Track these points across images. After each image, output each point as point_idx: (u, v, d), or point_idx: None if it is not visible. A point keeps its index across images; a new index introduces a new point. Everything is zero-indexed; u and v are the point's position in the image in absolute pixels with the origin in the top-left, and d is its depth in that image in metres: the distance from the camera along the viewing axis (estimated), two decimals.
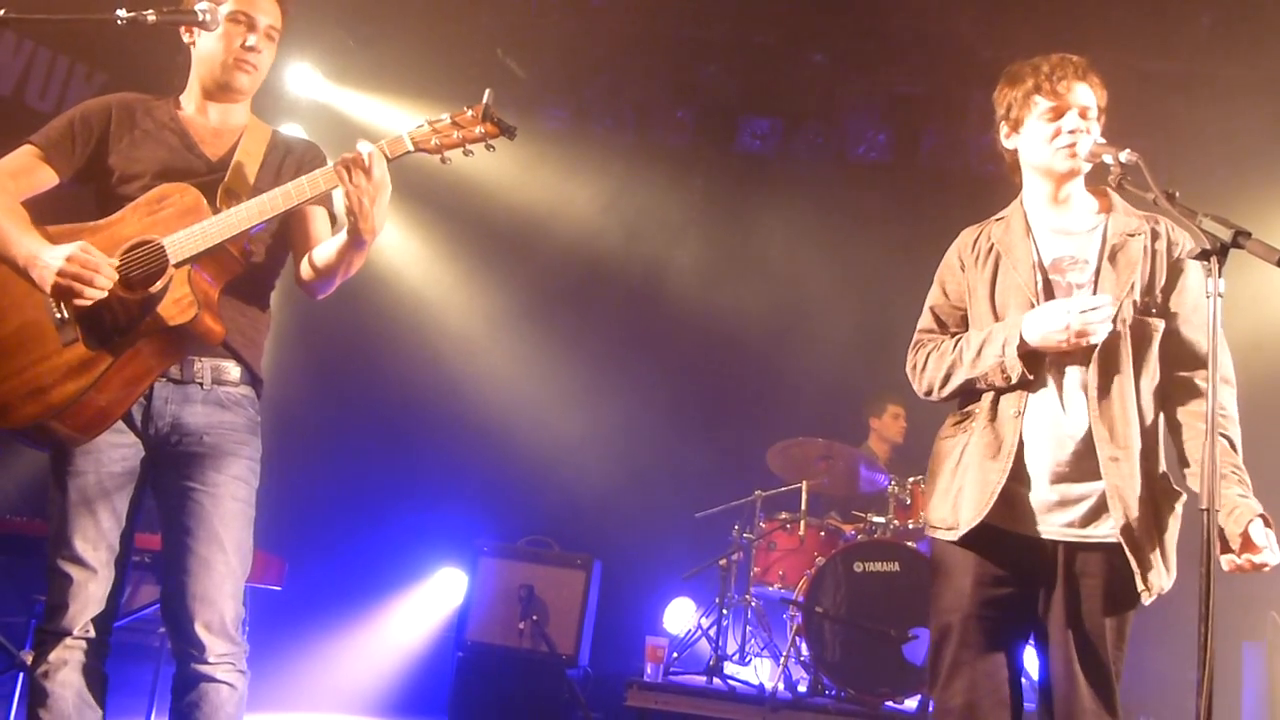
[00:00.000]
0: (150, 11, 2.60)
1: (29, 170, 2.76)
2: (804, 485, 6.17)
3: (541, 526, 6.77)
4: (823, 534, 6.17)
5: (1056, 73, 2.81)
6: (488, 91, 2.63)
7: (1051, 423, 2.71)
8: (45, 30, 6.44)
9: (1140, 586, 2.62)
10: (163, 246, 2.60)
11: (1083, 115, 2.78)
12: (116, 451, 2.69)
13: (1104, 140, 2.79)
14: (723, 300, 7.48)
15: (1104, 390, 2.68)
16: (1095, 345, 2.67)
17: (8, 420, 2.59)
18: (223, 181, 2.76)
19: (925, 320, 3.07)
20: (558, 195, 7.60)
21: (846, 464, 6.35)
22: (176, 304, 2.57)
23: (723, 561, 6.13)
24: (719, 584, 6.14)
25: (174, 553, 2.66)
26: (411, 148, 2.64)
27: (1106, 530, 2.67)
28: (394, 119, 7.39)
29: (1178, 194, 2.53)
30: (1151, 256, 2.79)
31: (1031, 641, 2.79)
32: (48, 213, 2.80)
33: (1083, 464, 2.68)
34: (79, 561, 2.63)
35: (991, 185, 7.38)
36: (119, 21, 2.54)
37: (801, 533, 6.10)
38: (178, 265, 2.59)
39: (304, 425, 6.92)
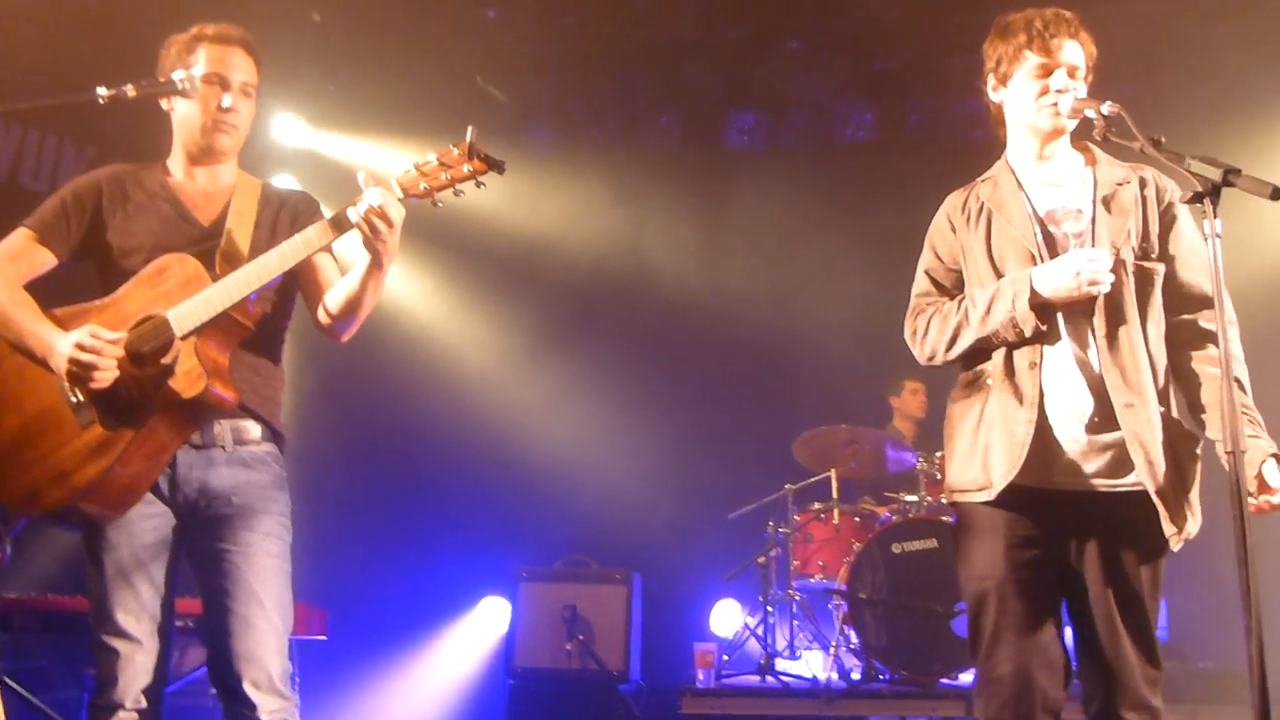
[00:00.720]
0: (129, 86, 2.64)
1: (27, 253, 2.78)
2: (833, 473, 6.16)
3: (577, 545, 6.77)
4: (857, 520, 6.16)
5: (1049, 29, 2.79)
6: (470, 129, 2.58)
7: (1067, 374, 2.70)
8: (33, 114, 6.50)
9: (1169, 530, 2.60)
10: (167, 320, 2.60)
11: (1071, 74, 2.78)
12: (148, 523, 2.70)
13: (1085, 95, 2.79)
14: (727, 299, 7.49)
15: (1112, 338, 2.67)
16: (1101, 294, 2.67)
17: (38, 505, 2.62)
18: (219, 246, 2.75)
19: (921, 285, 3.05)
20: (553, 215, 7.61)
21: (872, 447, 6.33)
22: (186, 377, 2.58)
23: (761, 559, 6.12)
24: (760, 582, 6.12)
25: (215, 615, 2.67)
26: (400, 194, 2.60)
27: (1132, 479, 2.65)
28: (382, 158, 7.43)
29: (1163, 139, 2.53)
30: (1143, 203, 2.80)
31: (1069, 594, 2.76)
32: (56, 287, 2.83)
33: (1101, 413, 2.67)
34: (123, 634, 2.64)
35: (983, 149, 7.37)
36: (100, 100, 2.56)
37: (836, 521, 6.09)
38: (183, 337, 2.59)
39: (333, 474, 6.95)
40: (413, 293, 7.73)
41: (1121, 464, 2.66)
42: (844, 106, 7.90)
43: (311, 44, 7.13)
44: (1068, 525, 2.70)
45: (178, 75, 2.75)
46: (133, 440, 2.58)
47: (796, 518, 6.22)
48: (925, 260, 3.07)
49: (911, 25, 7.23)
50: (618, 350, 7.66)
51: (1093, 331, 2.69)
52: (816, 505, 6.21)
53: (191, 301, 2.60)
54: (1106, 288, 2.65)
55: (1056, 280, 2.66)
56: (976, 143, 7.46)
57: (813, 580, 6.10)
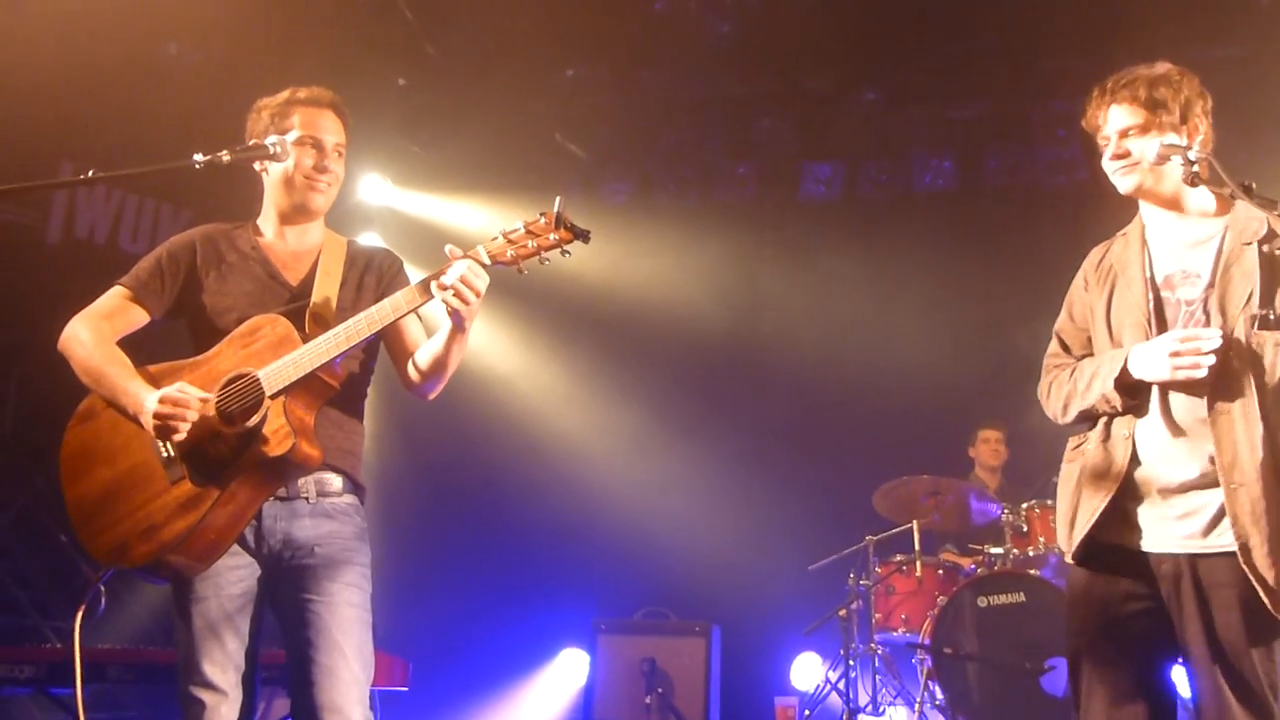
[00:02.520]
0: (225, 152, 2.73)
1: (121, 311, 2.86)
2: (915, 525, 6.05)
3: (656, 597, 6.75)
4: (941, 572, 6.04)
5: (1094, 103, 2.80)
6: (558, 199, 2.63)
7: (1167, 442, 2.64)
8: (131, 179, 6.78)
9: (1269, 606, 2.47)
10: (258, 379, 2.66)
11: (1122, 136, 2.73)
12: (234, 574, 2.74)
13: (1173, 142, 2.69)
14: (807, 350, 7.46)
15: (1225, 413, 2.57)
16: (1225, 378, 2.56)
17: (126, 559, 2.67)
18: (308, 307, 2.82)
19: (1051, 345, 3.02)
20: (629, 267, 7.68)
21: (955, 498, 6.22)
22: (275, 435, 2.62)
23: (842, 612, 6.02)
24: (842, 635, 6.02)
25: (298, 665, 2.69)
26: (487, 262, 2.64)
27: (1229, 540, 2.54)
28: (464, 215, 7.60)
29: (1254, 185, 2.48)
30: (1270, 262, 2.62)
31: (1180, 660, 2.67)
32: (150, 343, 2.92)
33: (1201, 479, 2.60)
34: (209, 686, 2.68)
35: (1063, 195, 7.34)
36: (197, 166, 2.67)
37: (919, 573, 5.97)
38: (273, 396, 2.64)
39: (415, 526, 7.04)
40: (492, 345, 7.85)
41: (1217, 523, 2.58)
42: (922, 154, 7.88)
43: (396, 106, 7.37)
44: (1164, 585, 2.63)
45: (270, 140, 2.85)
46: (220, 498, 2.63)
47: (878, 570, 6.12)
48: (1059, 320, 3.02)
49: (990, 73, 7.23)
50: (697, 401, 7.66)
51: (1204, 404, 2.60)
52: (899, 557, 6.11)
53: (281, 362, 2.66)
54: (1203, 373, 2.54)
55: (1150, 364, 2.60)
56: (1059, 189, 7.40)
57: (895, 634, 5.98)
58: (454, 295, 2.60)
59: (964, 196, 7.78)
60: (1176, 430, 2.63)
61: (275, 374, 2.65)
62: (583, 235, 2.65)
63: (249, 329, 2.76)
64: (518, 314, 7.80)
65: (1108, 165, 2.77)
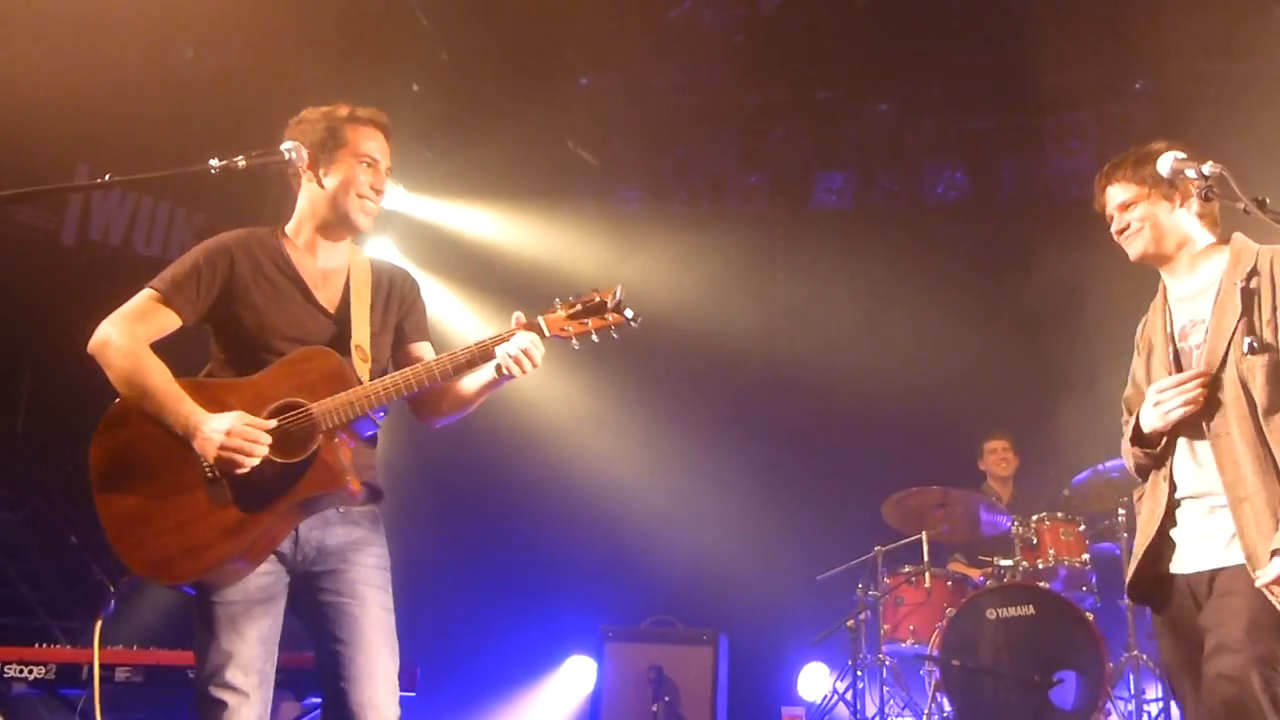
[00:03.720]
0: (240, 157, 2.73)
1: (153, 315, 2.82)
2: (924, 535, 6.04)
3: (663, 605, 6.74)
4: (949, 583, 6.02)
5: (1096, 187, 3.07)
6: (619, 287, 2.83)
7: (1194, 474, 2.84)
8: (146, 182, 6.82)
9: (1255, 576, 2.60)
10: (312, 414, 2.72)
11: (1122, 209, 2.98)
12: (262, 579, 2.76)
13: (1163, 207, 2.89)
14: (817, 359, 7.44)
15: (1223, 438, 2.75)
16: (1214, 406, 2.75)
17: (168, 575, 2.69)
18: (350, 338, 2.87)
19: (1123, 415, 3.17)
20: (640, 274, 7.68)
21: (965, 509, 6.20)
22: (328, 470, 2.70)
23: (850, 622, 6.01)
24: (849, 645, 6.01)
25: (334, 666, 2.73)
26: (548, 333, 2.80)
27: (1237, 559, 2.70)
28: (477, 221, 7.62)
29: (1268, 200, 2.49)
30: (1248, 296, 2.80)
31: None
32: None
33: (1221, 506, 2.75)
34: (232, 688, 2.69)
35: (1075, 207, 7.31)
36: (213, 170, 2.68)
37: (927, 584, 5.95)
38: (325, 432, 2.71)
39: (423, 531, 7.04)
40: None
41: (1232, 542, 2.72)
42: (934, 165, 7.88)
43: (410, 112, 7.39)
44: (1194, 609, 2.81)
45: (286, 147, 2.85)
46: (267, 525, 2.69)
47: (887, 580, 6.10)
48: (1126, 388, 3.17)
49: (1003, 85, 7.23)
50: (704, 410, 7.66)
51: (1207, 432, 2.78)
52: (907, 568, 6.09)
53: (337, 400, 2.73)
54: (1179, 413, 2.78)
55: (1148, 416, 2.88)
56: (1071, 200, 7.38)
57: (904, 645, 5.96)
58: (515, 363, 2.75)
59: (976, 207, 7.78)
60: (1199, 462, 2.82)
61: (331, 412, 2.72)
62: (634, 320, 2.86)
63: (299, 358, 2.80)
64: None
65: (1117, 239, 3.02)
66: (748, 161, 8.06)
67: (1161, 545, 2.88)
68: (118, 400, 2.80)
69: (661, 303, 7.64)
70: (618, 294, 2.80)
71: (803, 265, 8.01)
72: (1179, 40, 6.27)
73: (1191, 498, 2.84)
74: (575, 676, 7.11)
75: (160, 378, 2.74)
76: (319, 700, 3.96)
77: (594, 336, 2.82)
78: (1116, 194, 2.99)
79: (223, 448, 2.64)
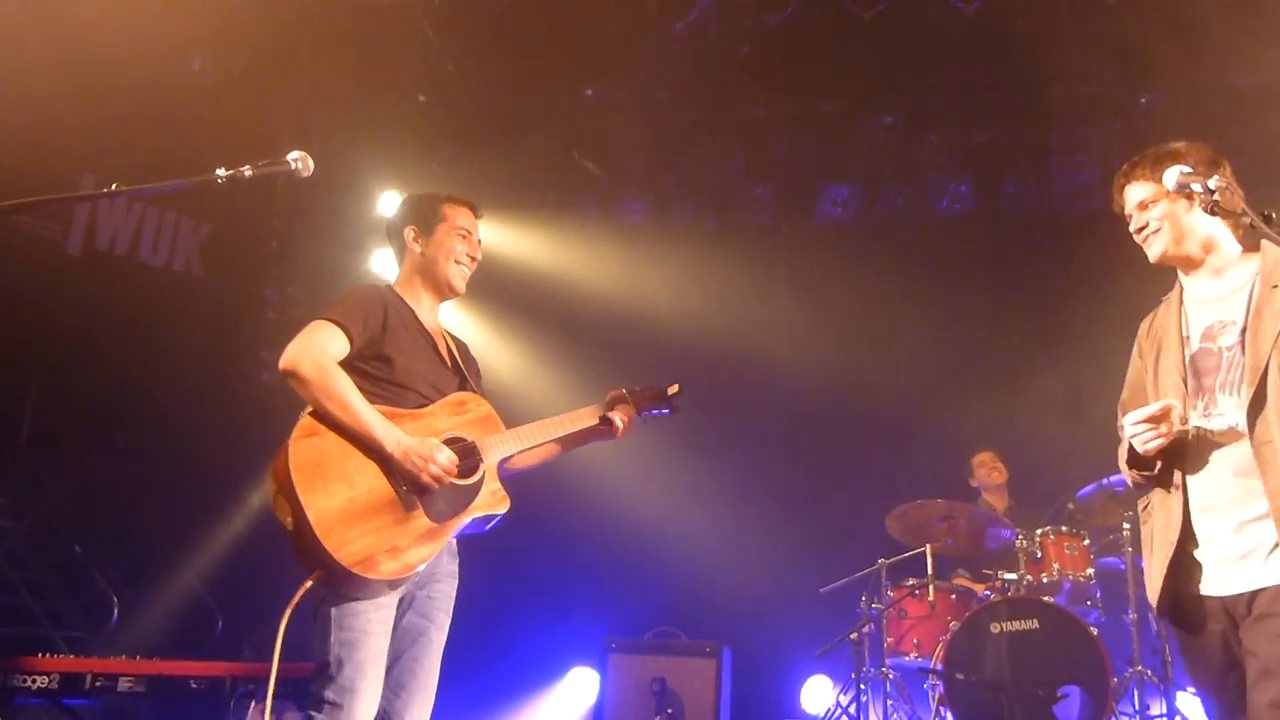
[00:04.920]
0: (247, 168, 2.76)
1: (333, 338, 3.10)
2: (928, 549, 6.02)
3: (667, 617, 6.72)
4: (953, 597, 6.00)
5: (1115, 187, 3.01)
6: (677, 385, 3.68)
7: (1218, 486, 2.73)
8: (153, 193, 6.83)
9: None
10: (477, 447, 3.20)
11: (1141, 209, 2.92)
12: (399, 591, 3.10)
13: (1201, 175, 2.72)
14: (820, 371, 7.44)
15: (1265, 444, 2.63)
16: (1259, 411, 2.64)
17: (372, 569, 2.89)
18: (471, 388, 3.40)
19: (1119, 418, 3.09)
20: (645, 285, 7.70)
21: (969, 522, 6.18)
22: (493, 495, 3.22)
23: (854, 635, 5.99)
24: (853, 659, 5.99)
25: (395, 677, 3.08)
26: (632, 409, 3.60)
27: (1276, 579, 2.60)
28: (482, 233, 7.61)
29: (1274, 215, 2.48)
30: None
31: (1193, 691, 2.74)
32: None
33: (1255, 516, 2.65)
34: (375, 681, 2.97)
35: (1081, 220, 7.32)
36: (219, 181, 2.69)
37: (931, 598, 5.93)
38: (488, 463, 3.19)
39: None
40: (505, 360, 7.86)
41: (1270, 559, 2.63)
42: (939, 178, 7.89)
43: (416, 124, 7.41)
44: (1233, 627, 2.70)
45: (293, 157, 2.88)
46: (449, 534, 3.11)
47: (891, 593, 6.08)
48: (1123, 393, 3.10)
49: (1008, 98, 7.23)
50: (709, 421, 7.63)
51: (1247, 442, 2.67)
52: (911, 581, 6.07)
53: (496, 437, 3.27)
54: (1153, 446, 2.71)
55: (1135, 443, 2.81)
56: (1076, 213, 7.39)
57: (907, 658, 5.94)
58: (623, 428, 3.54)
59: (981, 220, 7.78)
60: (1221, 473, 2.72)
61: (493, 446, 3.24)
62: (676, 409, 3.76)
63: (459, 400, 3.28)
64: (532, 331, 7.82)
65: (1136, 239, 2.95)
66: (753, 173, 8.07)
67: (1185, 563, 2.75)
68: (308, 410, 3.03)
69: (666, 314, 7.66)
70: (675, 388, 3.71)
71: (807, 278, 8.01)
72: (1185, 55, 6.27)
73: (1214, 512, 2.73)
74: (578, 688, 7.09)
75: (357, 398, 3.04)
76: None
77: (646, 419, 3.69)
78: (1136, 192, 2.92)
79: (433, 477, 3.02)
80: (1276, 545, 2.61)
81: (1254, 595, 2.63)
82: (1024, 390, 6.98)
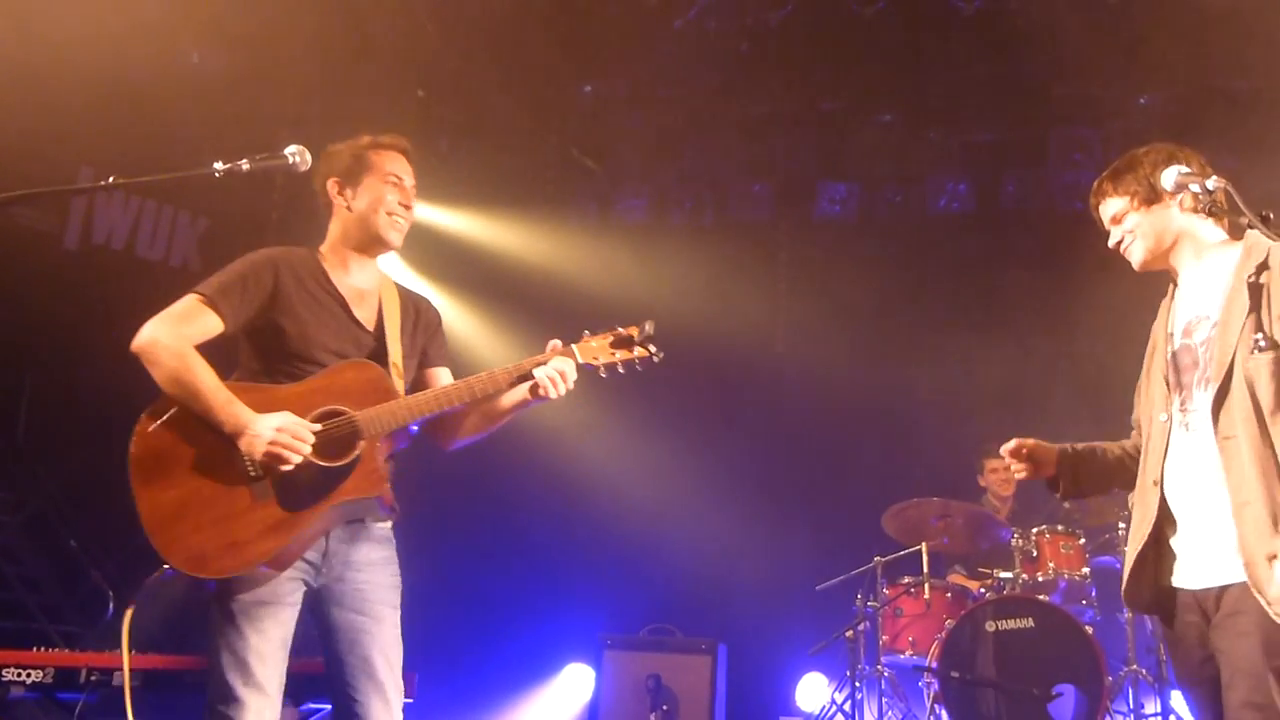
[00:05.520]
0: (244, 161, 2.75)
1: (198, 317, 2.88)
2: (924, 547, 6.03)
3: (663, 614, 6.73)
4: (949, 595, 6.01)
5: (1091, 209, 3.05)
6: (649, 322, 3.06)
7: (1189, 480, 2.74)
8: (149, 186, 6.81)
9: (1274, 616, 2.49)
10: (355, 421, 2.82)
11: (1114, 223, 2.96)
12: (291, 584, 2.84)
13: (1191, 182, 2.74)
14: (819, 369, 7.44)
15: (1229, 439, 2.65)
16: (1222, 405, 2.66)
17: (205, 569, 2.72)
18: (387, 355, 3.00)
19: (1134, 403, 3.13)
20: (642, 282, 7.69)
21: (965, 521, 6.19)
22: (368, 477, 2.81)
23: (849, 633, 5.99)
24: (848, 656, 5.99)
25: (349, 678, 2.84)
26: (581, 360, 3.01)
27: (1239, 577, 2.59)
28: (480, 228, 7.63)
29: (1272, 215, 2.48)
30: (1256, 291, 2.69)
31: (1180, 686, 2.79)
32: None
33: (1223, 514, 2.65)
34: (260, 688, 2.74)
35: (1079, 220, 7.30)
36: (217, 174, 2.68)
37: (927, 596, 5.94)
38: (368, 439, 2.81)
39: (422, 536, 7.03)
40: (502, 357, 7.85)
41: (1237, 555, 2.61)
42: (937, 177, 7.88)
43: (414, 117, 7.40)
44: (1207, 621, 2.70)
45: (290, 151, 2.87)
46: (304, 526, 2.76)
47: (886, 591, 6.09)
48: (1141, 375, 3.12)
49: (1007, 97, 7.23)
50: (708, 419, 7.65)
51: (1215, 434, 2.68)
52: (907, 579, 6.08)
53: (380, 409, 2.85)
54: (1022, 476, 3.13)
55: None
56: (1074, 213, 7.37)
57: (902, 656, 5.94)
58: (551, 383, 2.93)
59: (979, 219, 7.78)
60: (1196, 467, 2.73)
61: (374, 421, 2.83)
62: (656, 357, 3.08)
63: (343, 369, 2.92)
64: (529, 330, 7.80)
65: (1120, 252, 2.99)
66: (751, 171, 8.06)
67: (1158, 555, 2.80)
68: (159, 398, 2.84)
69: (663, 311, 7.61)
70: (646, 329, 3.02)
71: (805, 275, 8.01)
72: (1184, 55, 6.27)
73: (1186, 506, 2.75)
74: (573, 684, 7.10)
75: (210, 378, 2.80)
76: (317, 707, 3.98)
77: (620, 369, 3.03)
78: (1106, 210, 2.98)
79: (272, 443, 2.71)
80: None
81: (1222, 590, 2.64)
82: (1022, 389, 6.98)
